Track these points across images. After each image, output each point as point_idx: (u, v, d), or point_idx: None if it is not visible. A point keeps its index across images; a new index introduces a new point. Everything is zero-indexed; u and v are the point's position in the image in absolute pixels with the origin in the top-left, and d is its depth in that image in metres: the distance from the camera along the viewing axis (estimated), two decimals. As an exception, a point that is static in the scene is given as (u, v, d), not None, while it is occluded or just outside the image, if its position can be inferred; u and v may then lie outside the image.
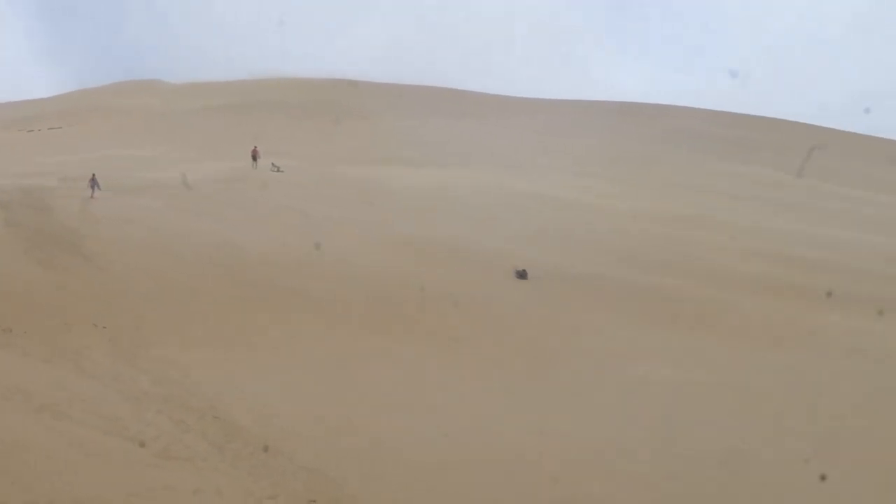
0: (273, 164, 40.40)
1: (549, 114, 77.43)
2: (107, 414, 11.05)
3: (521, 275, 22.43)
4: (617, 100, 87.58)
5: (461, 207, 32.62)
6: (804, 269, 26.06)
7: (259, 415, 12.04)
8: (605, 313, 20.26)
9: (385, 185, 37.26)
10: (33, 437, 9.74)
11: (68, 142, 58.83)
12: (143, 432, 10.59)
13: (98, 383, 12.58)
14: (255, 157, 40.90)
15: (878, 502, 11.23)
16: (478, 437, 12.26)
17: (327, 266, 21.65)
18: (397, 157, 49.20)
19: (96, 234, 22.45)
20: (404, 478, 10.61)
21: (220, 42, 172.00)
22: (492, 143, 59.08)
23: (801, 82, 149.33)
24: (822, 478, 10.90)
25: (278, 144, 51.28)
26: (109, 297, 17.43)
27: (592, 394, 14.75)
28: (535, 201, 35.51)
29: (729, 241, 29.86)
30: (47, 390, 11.58)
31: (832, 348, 18.55)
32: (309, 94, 79.33)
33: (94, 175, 29.34)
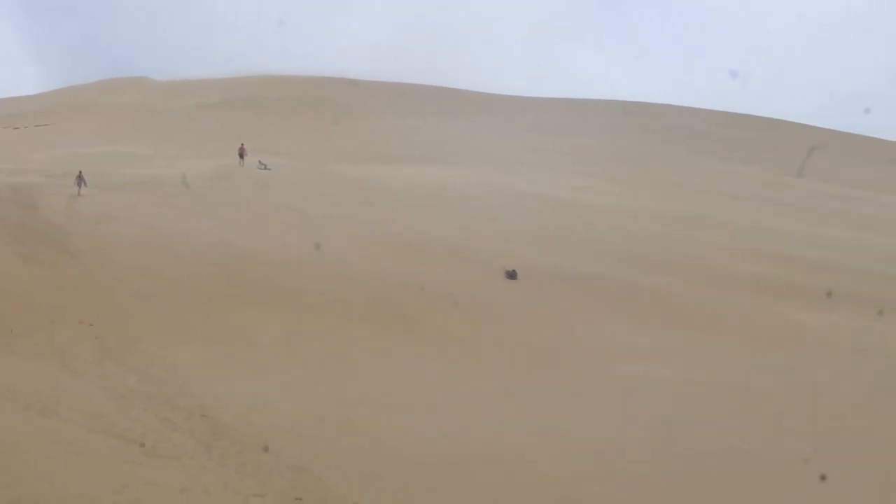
0: (260, 161, 40.31)
1: (548, 113, 77.47)
2: (93, 412, 11.04)
3: (511, 275, 22.39)
4: (617, 99, 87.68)
5: (461, 207, 32.61)
6: (804, 269, 26.07)
7: (256, 414, 12.00)
8: (605, 313, 20.26)
9: (385, 184, 37.26)
10: (19, 435, 9.75)
11: (55, 139, 58.75)
12: (130, 430, 10.57)
13: (84, 381, 12.53)
14: (241, 155, 40.73)
15: (878, 502, 11.23)
16: (478, 437, 12.25)
17: (327, 266, 21.64)
18: (394, 155, 49.27)
19: (83, 232, 22.26)
20: (404, 478, 10.60)
21: (209, 39, 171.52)
22: (491, 142, 59.11)
23: (801, 82, 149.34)
24: (822, 478, 10.90)
25: (267, 142, 51.36)
26: (96, 295, 17.26)
27: (592, 394, 14.75)
28: (535, 201, 35.51)
29: (729, 241, 29.87)
30: (33, 388, 11.56)
31: (832, 348, 18.56)
32: (298, 91, 79.42)
33: (80, 172, 29.09)
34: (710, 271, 24.99)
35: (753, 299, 22.19)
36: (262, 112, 70.18)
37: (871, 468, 11.90)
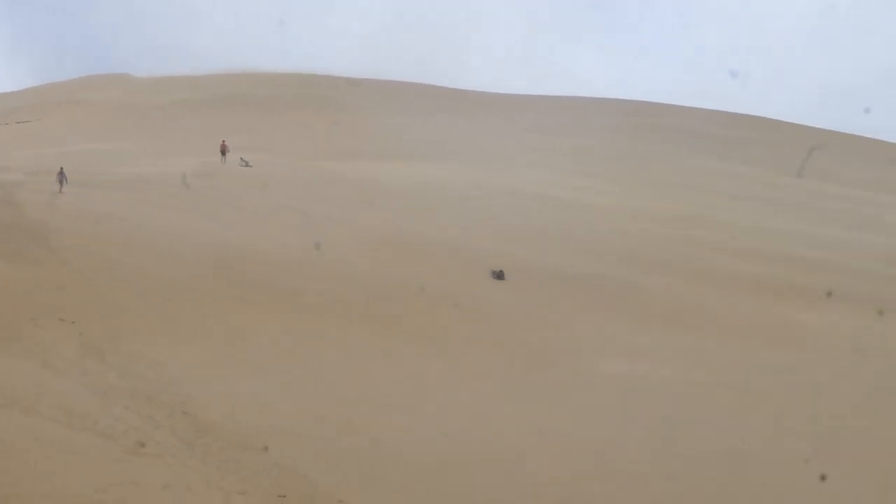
0: (242, 158, 40.26)
1: (548, 113, 77.42)
2: (75, 410, 10.98)
3: (498, 275, 22.33)
4: (617, 99, 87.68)
5: (461, 207, 32.61)
6: (804, 269, 26.09)
7: (242, 412, 11.94)
8: (605, 313, 20.26)
9: (385, 184, 37.25)
10: (1, 434, 9.70)
11: (36, 136, 58.59)
12: (113, 428, 10.53)
13: (66, 379, 12.43)
14: (223, 152, 40.59)
15: (878, 502, 11.23)
16: (478, 437, 12.25)
17: (327, 266, 21.62)
18: (388, 153, 49.26)
19: (64, 229, 21.94)
20: (404, 478, 10.60)
21: (190, 35, 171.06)
22: (491, 142, 59.10)
23: (801, 82, 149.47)
24: (822, 478, 10.90)
25: (252, 139, 51.30)
26: (78, 292, 17.04)
27: (592, 394, 14.74)
28: (534, 201, 35.53)
29: (729, 241, 29.88)
30: (14, 386, 11.48)
31: (832, 348, 18.57)
32: (286, 88, 79.24)
33: (62, 169, 28.80)
34: (710, 271, 24.99)
35: (753, 299, 22.20)
36: (248, 109, 69.96)
37: (871, 468, 11.90)
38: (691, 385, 15.43)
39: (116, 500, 8.68)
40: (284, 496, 9.54)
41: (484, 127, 67.53)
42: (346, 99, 74.42)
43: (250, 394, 12.87)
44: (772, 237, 31.95)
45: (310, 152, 49.80)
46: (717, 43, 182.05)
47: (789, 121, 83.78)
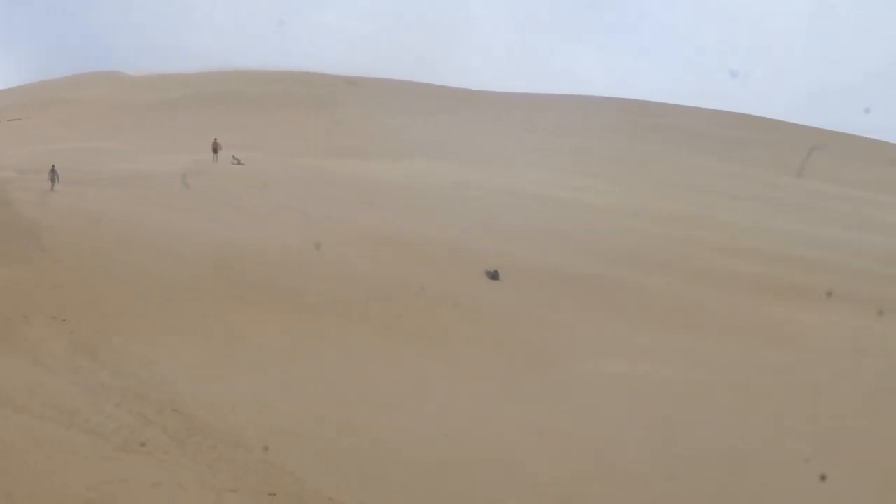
0: (234, 156, 40.18)
1: (549, 112, 77.37)
2: (66, 407, 11.00)
3: (493, 276, 22.30)
4: (617, 98, 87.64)
5: (461, 207, 32.60)
6: (804, 269, 26.08)
7: (233, 411, 11.94)
8: (604, 313, 20.25)
9: (384, 184, 37.25)
10: None
11: (27, 134, 58.51)
12: (103, 425, 10.54)
13: (57, 377, 12.46)
14: (215, 150, 40.39)
15: (878, 502, 11.23)
16: (478, 437, 12.24)
17: (327, 266, 21.62)
18: (385, 153, 49.22)
19: (56, 227, 21.89)
20: (404, 478, 10.60)
21: (182, 34, 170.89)
22: (491, 141, 59.07)
23: (802, 82, 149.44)
24: (822, 478, 10.89)
25: (245, 137, 51.25)
26: (70, 290, 17.02)
27: (592, 394, 14.74)
28: (534, 201, 35.52)
29: (729, 241, 29.86)
30: (5, 384, 11.50)
31: (832, 348, 18.56)
32: (280, 87, 79.03)
33: (53, 167, 28.73)
34: (710, 271, 24.98)
35: (753, 299, 22.18)
36: (239, 107, 69.80)
37: (871, 468, 11.89)
38: (691, 385, 15.42)
39: (107, 498, 8.69)
40: (275, 494, 9.55)
41: (484, 127, 67.45)
42: (346, 98, 74.31)
43: (250, 393, 12.87)
44: (772, 237, 31.94)
45: (301, 150, 49.78)
46: (717, 43, 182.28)
47: (789, 121, 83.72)
